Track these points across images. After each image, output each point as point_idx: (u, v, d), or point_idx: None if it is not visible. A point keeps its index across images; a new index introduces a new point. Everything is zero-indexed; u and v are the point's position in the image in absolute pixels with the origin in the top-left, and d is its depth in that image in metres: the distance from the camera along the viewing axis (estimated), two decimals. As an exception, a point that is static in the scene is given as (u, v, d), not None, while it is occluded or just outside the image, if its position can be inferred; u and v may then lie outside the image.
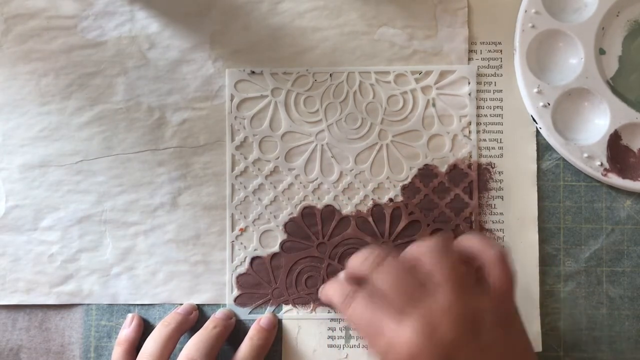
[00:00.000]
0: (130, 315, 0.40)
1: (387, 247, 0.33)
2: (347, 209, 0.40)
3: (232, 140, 0.40)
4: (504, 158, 0.40)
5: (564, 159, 0.39)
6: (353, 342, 0.39)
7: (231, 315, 0.39)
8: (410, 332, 0.29)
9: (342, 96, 0.40)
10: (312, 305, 0.39)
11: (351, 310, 0.31)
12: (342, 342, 0.39)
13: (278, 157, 0.40)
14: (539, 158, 0.40)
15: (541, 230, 0.39)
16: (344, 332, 0.39)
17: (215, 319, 0.38)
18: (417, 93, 0.40)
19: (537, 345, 0.39)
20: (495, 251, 0.31)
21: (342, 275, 0.34)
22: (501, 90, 0.40)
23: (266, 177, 0.40)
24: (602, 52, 0.39)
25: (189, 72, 0.40)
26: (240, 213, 0.40)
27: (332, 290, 0.34)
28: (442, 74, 0.40)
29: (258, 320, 0.39)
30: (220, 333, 0.37)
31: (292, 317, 0.40)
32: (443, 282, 0.30)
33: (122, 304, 0.40)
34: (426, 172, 0.40)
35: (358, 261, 0.32)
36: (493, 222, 0.39)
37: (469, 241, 0.32)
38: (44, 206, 0.40)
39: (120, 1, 0.40)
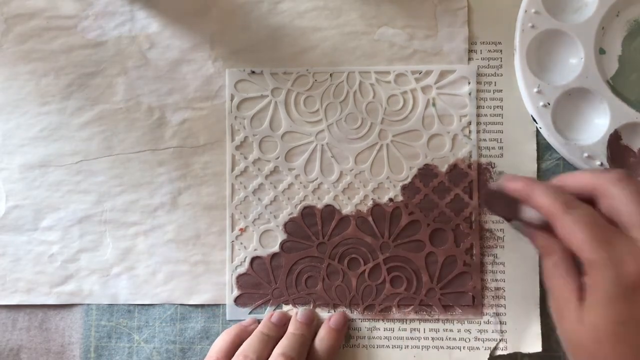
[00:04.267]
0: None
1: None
2: (347, 209, 0.40)
3: (232, 140, 0.40)
4: (504, 158, 0.40)
5: (564, 159, 0.39)
6: (353, 342, 0.39)
7: (313, 318, 0.39)
8: None
9: (342, 96, 0.40)
10: (312, 305, 0.39)
11: (575, 217, 0.29)
12: (341, 344, 0.39)
13: (278, 157, 0.40)
14: (539, 158, 0.40)
15: (541, 230, 0.39)
16: (344, 332, 0.39)
17: (299, 324, 0.38)
18: (417, 93, 0.40)
19: (537, 345, 0.39)
20: None
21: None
22: (501, 90, 0.40)
23: (266, 177, 0.40)
24: (602, 52, 0.39)
25: (189, 72, 0.40)
26: (240, 213, 0.40)
27: (540, 189, 0.31)
28: (442, 74, 0.40)
29: (327, 320, 0.39)
30: (307, 337, 0.38)
31: (292, 317, 0.40)
32: None
33: (122, 304, 0.40)
34: (426, 172, 0.40)
35: (589, 174, 0.31)
36: (493, 222, 0.39)
37: None
38: (44, 206, 0.40)
39: (120, 1, 0.40)
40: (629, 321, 0.27)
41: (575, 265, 0.30)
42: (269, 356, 0.36)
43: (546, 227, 0.31)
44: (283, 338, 0.37)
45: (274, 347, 0.36)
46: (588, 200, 0.31)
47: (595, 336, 0.28)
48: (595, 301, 0.28)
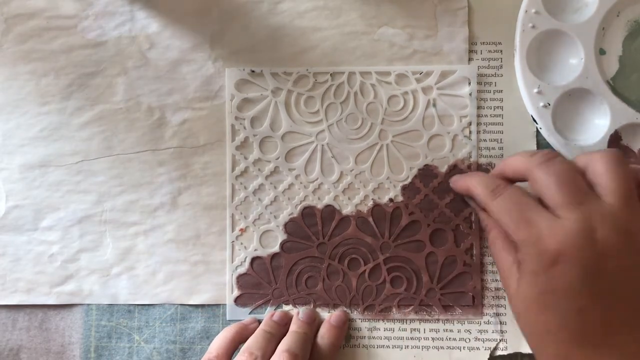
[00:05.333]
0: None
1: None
2: (347, 209, 0.40)
3: (233, 140, 0.40)
4: (504, 158, 0.40)
5: (564, 159, 0.39)
6: (353, 342, 0.39)
7: (315, 318, 0.39)
8: (568, 228, 0.29)
9: (343, 96, 0.40)
10: (312, 305, 0.39)
11: (500, 200, 0.32)
12: (342, 342, 0.39)
13: (278, 157, 0.40)
14: (539, 158, 0.40)
15: (541, 230, 0.39)
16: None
17: (301, 323, 0.38)
18: (418, 93, 0.40)
19: (537, 345, 0.39)
20: None
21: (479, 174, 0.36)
22: (501, 91, 0.40)
23: (266, 177, 0.40)
24: (602, 52, 0.39)
25: (189, 72, 0.40)
26: (241, 213, 0.40)
27: (475, 180, 0.35)
28: (443, 74, 0.40)
29: (328, 319, 0.39)
30: (310, 335, 0.38)
31: (292, 317, 0.40)
32: (613, 189, 0.30)
33: (122, 304, 0.40)
34: (426, 172, 0.40)
35: (520, 158, 0.33)
36: (493, 222, 0.39)
37: (636, 167, 0.33)
38: (44, 206, 0.40)
39: (120, 1, 0.40)
40: (550, 292, 0.30)
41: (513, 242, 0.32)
42: (272, 353, 0.36)
43: None
44: (286, 336, 0.37)
45: (277, 345, 0.36)
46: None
47: (525, 306, 0.31)
48: (523, 275, 0.31)
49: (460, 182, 0.37)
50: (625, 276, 0.29)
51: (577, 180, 0.31)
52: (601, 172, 0.31)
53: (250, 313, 0.40)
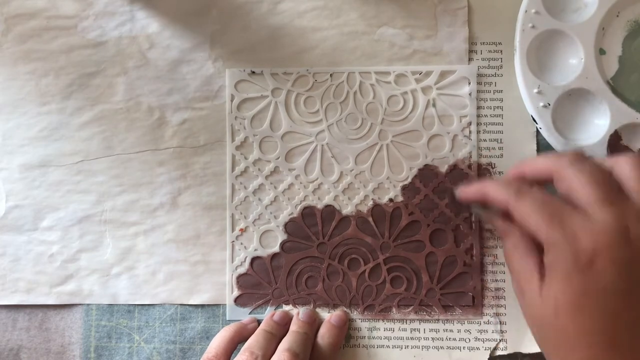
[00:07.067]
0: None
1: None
2: (347, 209, 0.40)
3: (233, 140, 0.40)
4: (504, 158, 0.40)
5: (564, 159, 0.39)
6: (353, 342, 0.39)
7: (315, 318, 0.39)
8: (604, 226, 0.29)
9: (343, 96, 0.40)
10: (312, 305, 0.39)
11: (527, 201, 0.31)
12: (342, 341, 0.39)
13: (278, 157, 0.40)
14: (539, 158, 0.40)
15: (541, 230, 0.39)
16: (344, 332, 0.39)
17: (302, 323, 0.38)
18: (418, 93, 0.40)
19: (536, 345, 0.39)
20: None
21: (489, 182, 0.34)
22: (501, 91, 0.40)
23: (266, 177, 0.40)
24: (602, 52, 0.39)
25: (189, 72, 0.40)
26: (241, 213, 0.40)
27: (493, 185, 0.33)
28: (443, 74, 0.40)
29: (328, 318, 0.39)
30: (310, 335, 0.38)
31: (292, 317, 0.40)
32: None
33: (122, 304, 0.40)
34: (426, 172, 0.40)
35: (546, 159, 0.32)
36: (493, 222, 0.39)
37: None
38: (44, 206, 0.40)
39: (120, 1, 0.40)
40: (585, 293, 0.29)
41: (535, 245, 0.31)
42: (273, 353, 0.36)
43: (505, 212, 0.33)
44: (287, 336, 0.37)
45: (277, 345, 0.36)
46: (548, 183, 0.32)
47: (555, 310, 0.29)
48: (555, 277, 0.30)
49: (472, 190, 0.35)
50: None
51: (610, 179, 0.30)
52: (628, 175, 0.30)
53: (250, 313, 0.40)
